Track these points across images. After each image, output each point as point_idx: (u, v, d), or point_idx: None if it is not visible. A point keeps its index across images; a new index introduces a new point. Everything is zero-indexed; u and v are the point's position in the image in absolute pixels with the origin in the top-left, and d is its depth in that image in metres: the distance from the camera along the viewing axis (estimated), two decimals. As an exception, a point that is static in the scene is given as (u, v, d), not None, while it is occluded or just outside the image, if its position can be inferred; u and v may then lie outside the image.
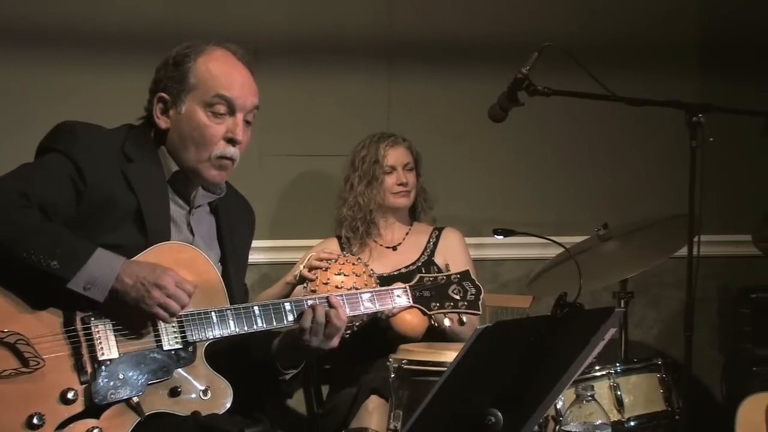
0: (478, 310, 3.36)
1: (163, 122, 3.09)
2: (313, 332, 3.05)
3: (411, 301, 3.25)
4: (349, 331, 4.13)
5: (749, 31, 5.45)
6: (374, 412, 4.03)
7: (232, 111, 3.07)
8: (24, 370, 2.74)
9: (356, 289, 3.56)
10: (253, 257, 4.90)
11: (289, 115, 5.00)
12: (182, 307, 2.88)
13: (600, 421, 2.96)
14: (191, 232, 3.13)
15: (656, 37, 5.37)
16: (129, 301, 2.83)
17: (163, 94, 3.09)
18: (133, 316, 2.87)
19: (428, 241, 4.64)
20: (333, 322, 3.06)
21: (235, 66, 3.12)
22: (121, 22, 4.76)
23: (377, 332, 4.20)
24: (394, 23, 5.15)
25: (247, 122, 3.12)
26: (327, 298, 3.10)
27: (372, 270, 3.90)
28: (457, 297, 3.31)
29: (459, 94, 5.11)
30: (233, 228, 3.24)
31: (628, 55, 5.19)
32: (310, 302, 3.07)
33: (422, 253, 4.60)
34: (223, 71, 3.08)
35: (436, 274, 3.33)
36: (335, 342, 3.12)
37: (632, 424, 3.91)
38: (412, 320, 4.16)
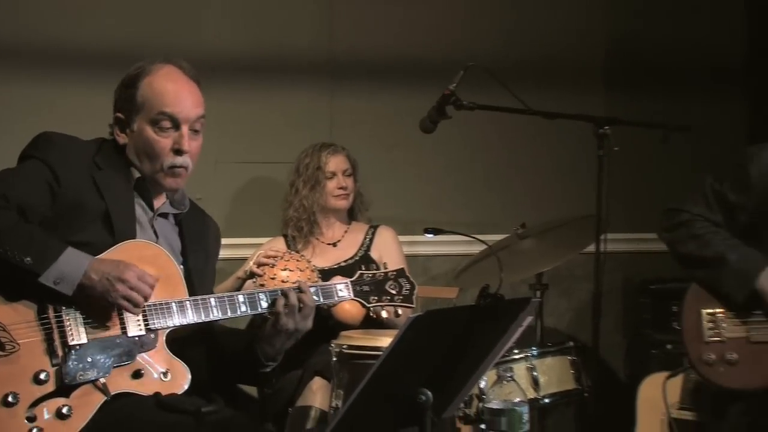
0: (412, 304, 3.36)
1: (121, 139, 3.09)
2: (288, 314, 3.06)
3: (352, 295, 3.26)
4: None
5: (648, 51, 5.51)
6: (318, 391, 4.03)
7: (176, 125, 3.05)
8: (0, 353, 2.72)
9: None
10: (209, 253, 4.92)
11: (242, 127, 4.99)
12: (146, 299, 2.87)
13: (518, 399, 2.98)
14: (155, 233, 3.11)
15: (567, 57, 5.41)
16: (95, 295, 2.82)
17: (119, 115, 3.09)
18: (100, 308, 2.85)
19: (365, 238, 4.66)
20: (306, 302, 3.08)
21: (177, 81, 3.09)
22: (91, 43, 4.73)
23: (320, 320, 4.17)
24: (336, 43, 5.15)
25: (195, 131, 3.09)
26: (299, 285, 3.10)
27: (314, 266, 3.92)
28: (393, 292, 3.31)
29: (394, 107, 5.12)
30: (196, 243, 3.21)
31: (543, 73, 5.22)
32: (281, 290, 3.08)
33: (359, 249, 4.61)
34: (164, 89, 3.05)
35: (374, 271, 3.34)
36: (310, 323, 3.13)
37: (547, 401, 3.92)
38: (351, 309, 4.18)
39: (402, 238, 4.75)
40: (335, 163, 4.59)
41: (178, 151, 3.05)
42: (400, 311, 3.40)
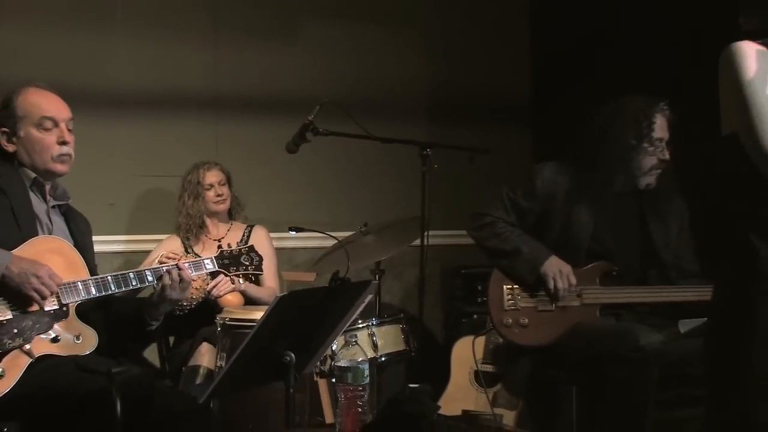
0: (261, 272, 3.36)
1: (10, 147, 3.01)
2: (172, 287, 3.02)
3: (217, 268, 3.23)
4: (189, 306, 4.19)
5: (460, 91, 5.59)
6: (206, 354, 4.01)
7: (55, 124, 3.02)
8: (-56, 329, 2.62)
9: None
10: (119, 247, 4.83)
11: (147, 148, 4.88)
12: (51, 294, 2.83)
13: (361, 359, 3.00)
14: (51, 222, 3.06)
15: (399, 95, 5.45)
16: (12, 285, 2.76)
17: (4, 128, 3.01)
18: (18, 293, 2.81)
19: (243, 235, 4.62)
20: (183, 277, 3.04)
21: (45, 94, 3.06)
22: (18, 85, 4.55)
23: (208, 307, 4.24)
24: (220, 83, 5.08)
25: (69, 130, 3.06)
26: (177, 264, 3.07)
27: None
28: (247, 263, 3.28)
29: (266, 132, 5.06)
30: (77, 226, 3.16)
31: (380, 107, 5.19)
32: (165, 269, 3.05)
33: (239, 244, 4.55)
34: (37, 100, 3.03)
35: (232, 248, 3.31)
36: (187, 294, 3.13)
37: (383, 359, 3.94)
38: (233, 300, 4.27)
39: (273, 235, 4.73)
40: (210, 176, 4.55)
41: (63, 143, 3.03)
42: (253, 278, 3.60)
